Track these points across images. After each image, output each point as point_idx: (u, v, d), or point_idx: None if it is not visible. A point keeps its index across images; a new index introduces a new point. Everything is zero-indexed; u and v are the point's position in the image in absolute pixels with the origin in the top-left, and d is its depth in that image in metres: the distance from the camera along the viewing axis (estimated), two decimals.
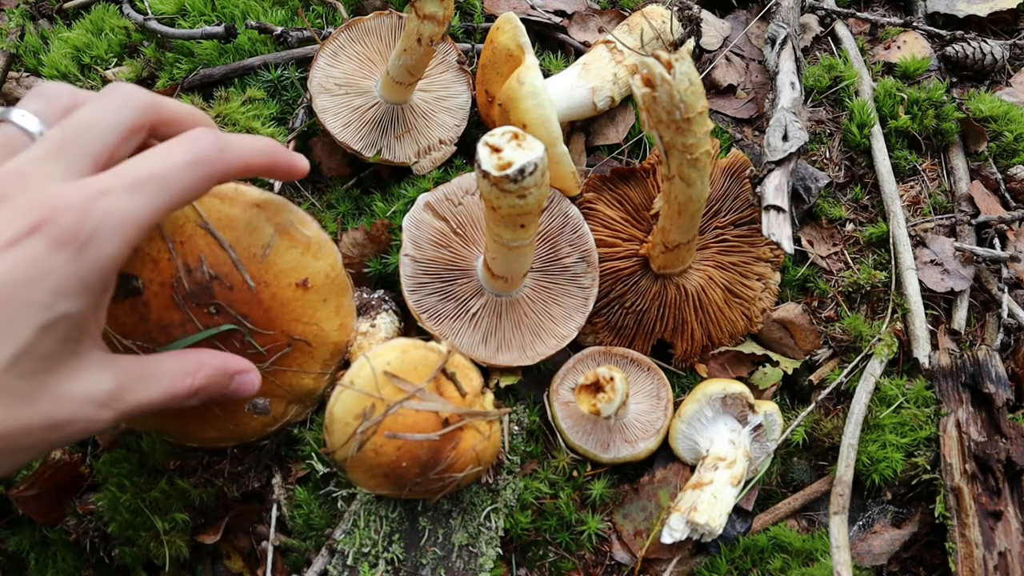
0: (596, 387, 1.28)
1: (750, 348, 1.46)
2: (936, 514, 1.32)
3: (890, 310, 1.49)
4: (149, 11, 1.71)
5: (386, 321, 1.34)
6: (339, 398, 1.08)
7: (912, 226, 1.58)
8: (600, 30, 1.74)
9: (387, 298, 1.38)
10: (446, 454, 1.07)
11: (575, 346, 1.41)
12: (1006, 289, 1.53)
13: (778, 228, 1.39)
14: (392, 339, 1.33)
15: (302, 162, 0.94)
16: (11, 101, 1.67)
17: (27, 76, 1.70)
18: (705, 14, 1.78)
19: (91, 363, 0.71)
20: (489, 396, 1.16)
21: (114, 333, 1.01)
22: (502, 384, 1.36)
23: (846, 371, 1.44)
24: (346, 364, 1.30)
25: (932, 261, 1.55)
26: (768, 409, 1.36)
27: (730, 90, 1.72)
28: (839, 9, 1.82)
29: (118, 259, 0.68)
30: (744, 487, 1.33)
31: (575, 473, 1.36)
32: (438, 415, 1.04)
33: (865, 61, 1.78)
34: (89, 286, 0.66)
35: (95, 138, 0.72)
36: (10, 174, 0.67)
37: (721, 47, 1.76)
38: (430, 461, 1.06)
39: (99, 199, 0.66)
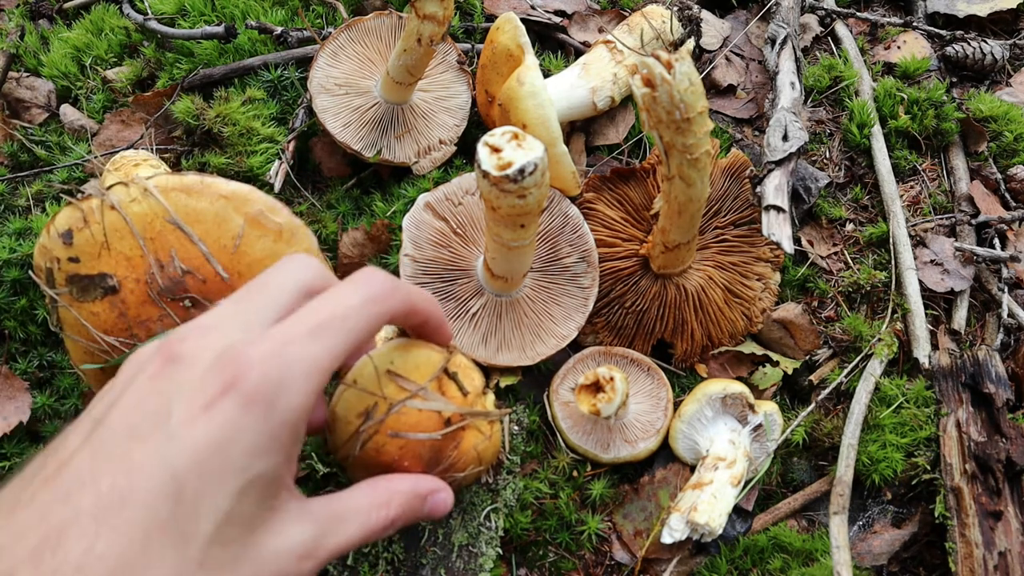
0: (596, 387, 1.28)
1: (750, 348, 1.46)
2: (936, 514, 1.32)
3: (890, 310, 1.49)
4: (149, 11, 1.71)
5: None
6: (341, 397, 1.08)
7: (912, 226, 1.58)
8: (600, 30, 1.74)
9: None
10: (448, 453, 1.07)
11: (575, 346, 1.41)
12: (1006, 289, 1.53)
13: (778, 228, 1.39)
14: (393, 338, 1.33)
15: (450, 330, 0.95)
16: (11, 101, 1.67)
17: (27, 76, 1.70)
18: (705, 14, 1.78)
19: (289, 516, 0.69)
20: (491, 396, 1.16)
21: (97, 332, 1.01)
22: (502, 384, 1.36)
23: (846, 371, 1.44)
24: None
25: (932, 261, 1.55)
26: (768, 409, 1.36)
27: (730, 90, 1.72)
28: (839, 9, 1.82)
29: (307, 409, 0.66)
30: (744, 487, 1.33)
31: (575, 473, 1.36)
32: (441, 415, 1.04)
33: (865, 61, 1.78)
34: (281, 441, 0.64)
35: (274, 295, 0.72)
36: (195, 329, 0.67)
37: (721, 47, 1.76)
38: (432, 460, 1.06)
39: (283, 350, 0.65)
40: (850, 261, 1.55)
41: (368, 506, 0.79)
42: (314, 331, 0.67)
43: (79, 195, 1.05)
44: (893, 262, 1.53)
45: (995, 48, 1.78)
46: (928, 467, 1.36)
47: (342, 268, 1.47)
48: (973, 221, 1.60)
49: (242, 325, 0.68)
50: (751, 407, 1.35)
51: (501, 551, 1.27)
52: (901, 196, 1.61)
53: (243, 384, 0.61)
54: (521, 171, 0.97)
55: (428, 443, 1.04)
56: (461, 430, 1.08)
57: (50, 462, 0.61)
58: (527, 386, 1.41)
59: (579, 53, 1.67)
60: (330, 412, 1.10)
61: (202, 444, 0.59)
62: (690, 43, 1.57)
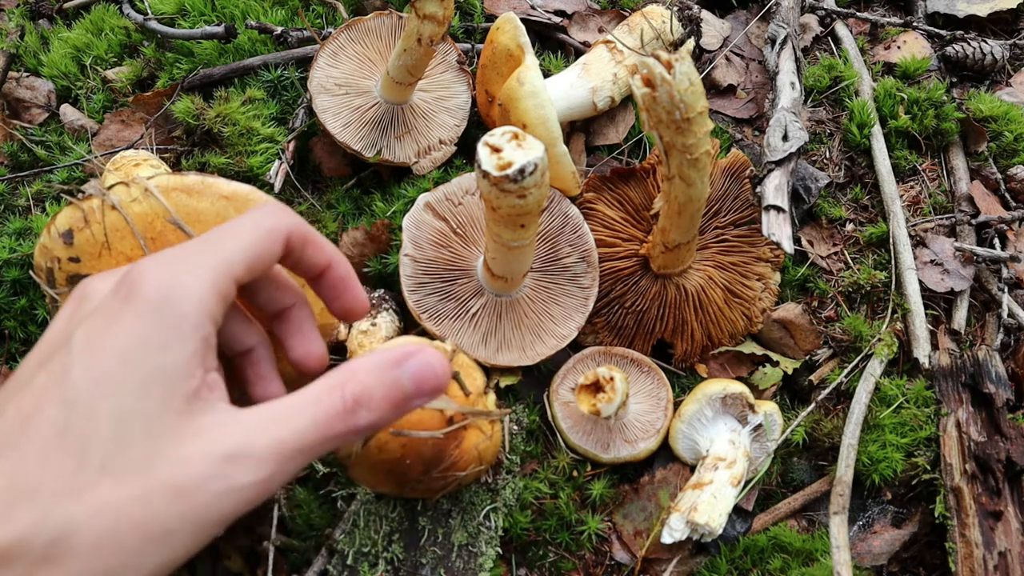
0: (596, 387, 1.28)
1: (750, 348, 1.46)
2: (936, 514, 1.32)
3: (890, 310, 1.49)
4: (149, 11, 1.71)
5: (386, 320, 1.34)
6: None
7: (912, 226, 1.58)
8: (600, 30, 1.74)
9: (387, 297, 1.38)
10: (450, 452, 1.07)
11: (575, 346, 1.41)
12: (1006, 289, 1.53)
13: (778, 228, 1.39)
14: (393, 338, 1.33)
15: (363, 294, 0.84)
16: (11, 101, 1.67)
17: (27, 76, 1.70)
18: (705, 14, 1.78)
19: (212, 418, 0.62)
20: (492, 396, 1.16)
21: None
22: (502, 384, 1.36)
23: (846, 371, 1.44)
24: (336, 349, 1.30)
25: (932, 261, 1.55)
26: (768, 409, 1.36)
27: (730, 90, 1.72)
28: (839, 9, 1.82)
29: (205, 304, 0.65)
30: (744, 487, 1.33)
31: (575, 473, 1.36)
32: (443, 413, 1.04)
33: (865, 61, 1.78)
34: (181, 334, 0.62)
35: (237, 236, 0.72)
36: (155, 258, 0.69)
37: (721, 47, 1.76)
38: (434, 459, 1.06)
39: (175, 260, 0.67)
40: (850, 261, 1.55)
41: (317, 391, 0.65)
42: (202, 243, 0.69)
43: (79, 195, 1.05)
44: (893, 262, 1.53)
45: (995, 48, 1.78)
46: (928, 467, 1.36)
47: None
48: (973, 221, 1.60)
49: (206, 263, 0.68)
50: (751, 407, 1.35)
51: (501, 551, 1.27)
52: (901, 196, 1.61)
53: (135, 292, 0.62)
54: (521, 171, 0.97)
55: (430, 441, 1.04)
56: (463, 429, 1.08)
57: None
58: (527, 386, 1.41)
59: (579, 53, 1.67)
60: None
61: (97, 350, 0.60)
62: (690, 43, 1.57)
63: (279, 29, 1.61)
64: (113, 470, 0.57)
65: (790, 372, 1.43)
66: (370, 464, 1.07)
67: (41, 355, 0.65)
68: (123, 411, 0.58)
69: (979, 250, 1.53)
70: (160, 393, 0.60)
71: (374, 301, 1.36)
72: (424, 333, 1.35)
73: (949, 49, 1.81)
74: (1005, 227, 1.58)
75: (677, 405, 1.37)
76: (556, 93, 1.47)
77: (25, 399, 0.60)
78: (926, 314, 1.49)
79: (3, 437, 0.58)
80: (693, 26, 1.55)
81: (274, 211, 0.74)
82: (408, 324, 1.39)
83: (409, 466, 1.05)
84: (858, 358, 1.45)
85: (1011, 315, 1.51)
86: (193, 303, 0.64)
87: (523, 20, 1.48)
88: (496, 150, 0.99)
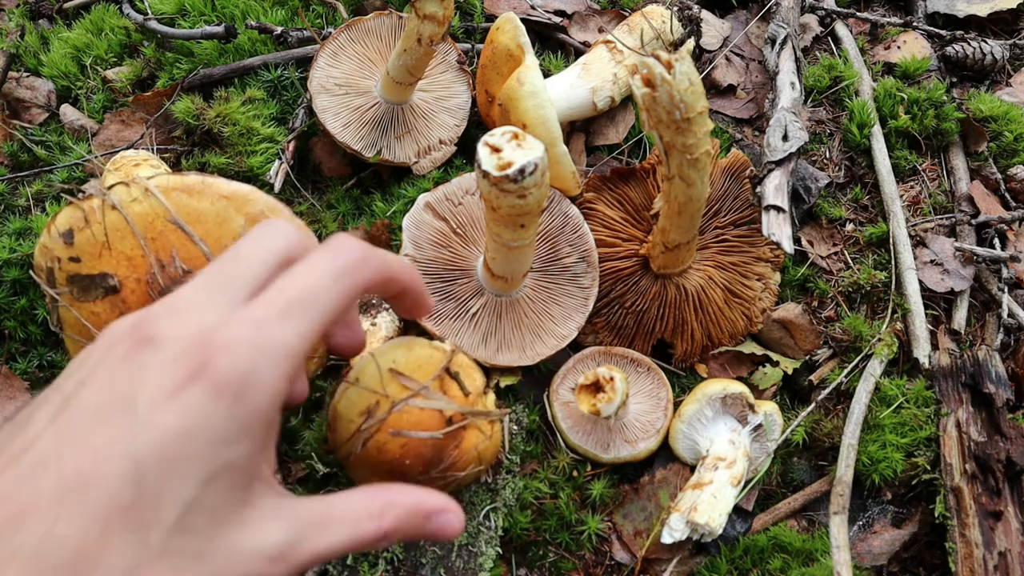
0: (596, 387, 1.28)
1: (750, 348, 1.46)
2: (936, 514, 1.32)
3: (890, 310, 1.49)
4: (149, 11, 1.71)
5: (386, 320, 1.34)
6: (344, 395, 1.08)
7: (912, 226, 1.58)
8: (600, 30, 1.74)
9: None
10: (449, 452, 1.07)
11: (575, 346, 1.41)
12: (1006, 289, 1.53)
13: (778, 228, 1.39)
14: (393, 337, 1.33)
15: (431, 299, 0.89)
16: (11, 101, 1.67)
17: (27, 76, 1.70)
18: (705, 14, 1.78)
19: (263, 512, 0.66)
20: (491, 396, 1.16)
21: (97, 332, 1.01)
22: (502, 384, 1.36)
23: (846, 371, 1.44)
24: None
25: (932, 261, 1.55)
26: (768, 409, 1.36)
27: (730, 90, 1.72)
28: (839, 9, 1.82)
29: (279, 396, 0.64)
30: (744, 487, 1.33)
31: (575, 473, 1.36)
32: (442, 414, 1.04)
33: (865, 61, 1.78)
34: (252, 430, 0.62)
35: (248, 266, 0.69)
36: (166, 308, 0.65)
37: (721, 47, 1.76)
38: (433, 459, 1.06)
39: (253, 335, 0.63)
40: (850, 261, 1.55)
41: (359, 514, 0.73)
42: (284, 313, 0.65)
43: (80, 195, 1.05)
44: (893, 262, 1.53)
45: (995, 48, 1.79)
46: (928, 467, 1.36)
47: None
48: (973, 221, 1.60)
49: (216, 304, 0.65)
50: (751, 407, 1.35)
51: (501, 551, 1.27)
52: (901, 196, 1.61)
53: (212, 371, 0.60)
54: (521, 171, 0.97)
55: (429, 442, 1.04)
56: (462, 429, 1.08)
57: (17, 439, 0.60)
58: (527, 386, 1.41)
59: (579, 53, 1.67)
60: (332, 410, 1.10)
61: (167, 430, 0.58)
62: (690, 43, 1.57)
63: (279, 29, 1.61)
64: (171, 555, 0.58)
65: (790, 372, 1.43)
66: (370, 465, 1.07)
67: (96, 404, 0.60)
68: (188, 501, 0.59)
69: (979, 250, 1.53)
70: (224, 486, 0.62)
71: (374, 301, 1.36)
72: (424, 333, 1.35)
73: (949, 49, 1.81)
74: (1005, 227, 1.58)
75: (677, 405, 1.37)
76: (556, 93, 1.47)
77: (84, 454, 0.57)
78: (926, 314, 1.49)
79: (64, 492, 0.55)
80: (693, 26, 1.55)
81: (356, 262, 0.72)
82: (408, 324, 1.39)
83: (408, 466, 1.05)
84: (858, 358, 1.45)
85: (1011, 315, 1.51)
86: (269, 398, 0.63)
87: (523, 20, 1.48)
88: (496, 150, 0.99)
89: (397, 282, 0.80)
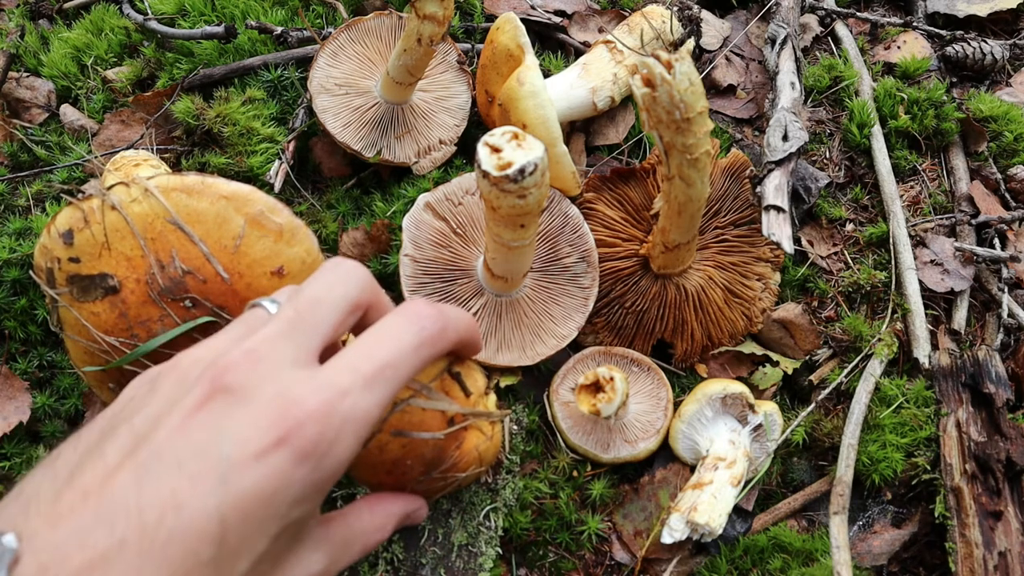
0: (596, 387, 1.28)
1: (750, 348, 1.46)
2: (936, 514, 1.32)
3: (890, 310, 1.49)
4: (149, 11, 1.71)
5: None
6: None
7: (912, 226, 1.58)
8: (600, 30, 1.74)
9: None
10: (450, 453, 1.07)
11: (575, 346, 1.41)
12: (1006, 289, 1.53)
13: (778, 228, 1.39)
14: None
15: (481, 342, 0.95)
16: (11, 101, 1.67)
17: (27, 76, 1.70)
18: (705, 14, 1.78)
19: (309, 545, 0.72)
20: (492, 397, 1.16)
21: (97, 332, 1.01)
22: (502, 384, 1.36)
23: (846, 371, 1.44)
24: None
25: (932, 261, 1.55)
26: (768, 409, 1.36)
27: (730, 90, 1.72)
28: (839, 9, 1.82)
29: (352, 457, 0.67)
30: (744, 487, 1.33)
31: (575, 473, 1.36)
32: (444, 414, 1.04)
33: (865, 61, 1.78)
34: (324, 490, 0.66)
35: (324, 314, 0.71)
36: (245, 356, 0.65)
37: (721, 47, 1.76)
38: (435, 460, 1.06)
39: (339, 403, 0.64)
40: (850, 261, 1.55)
41: (370, 529, 0.83)
42: (369, 383, 0.67)
43: (80, 195, 1.05)
44: (893, 262, 1.53)
45: (995, 48, 1.78)
46: (928, 467, 1.36)
47: None
48: (973, 221, 1.60)
49: (293, 354, 0.67)
50: (751, 407, 1.35)
51: (501, 551, 1.27)
52: (901, 196, 1.61)
53: (298, 439, 0.61)
54: (521, 171, 0.97)
55: (431, 443, 1.04)
56: (463, 430, 1.08)
57: (88, 470, 0.60)
58: (527, 386, 1.41)
59: (579, 53, 1.67)
60: None
61: (251, 493, 0.59)
62: (690, 43, 1.57)
63: (279, 29, 1.61)
64: None
65: (790, 372, 1.44)
66: (370, 465, 1.07)
67: (176, 451, 0.60)
68: (260, 553, 0.62)
69: (979, 250, 1.53)
70: (289, 535, 0.66)
71: None
72: None
73: (949, 49, 1.81)
74: (1005, 227, 1.58)
75: (677, 405, 1.37)
76: (556, 93, 1.47)
77: (168, 506, 0.58)
78: (926, 314, 1.49)
79: (146, 545, 0.56)
80: (693, 26, 1.55)
81: (436, 333, 0.75)
82: None
83: (410, 467, 1.05)
84: (858, 358, 1.45)
85: (1011, 315, 1.51)
86: (344, 463, 0.65)
87: (523, 20, 1.48)
88: (496, 150, 0.99)
89: (460, 344, 0.85)
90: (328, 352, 0.71)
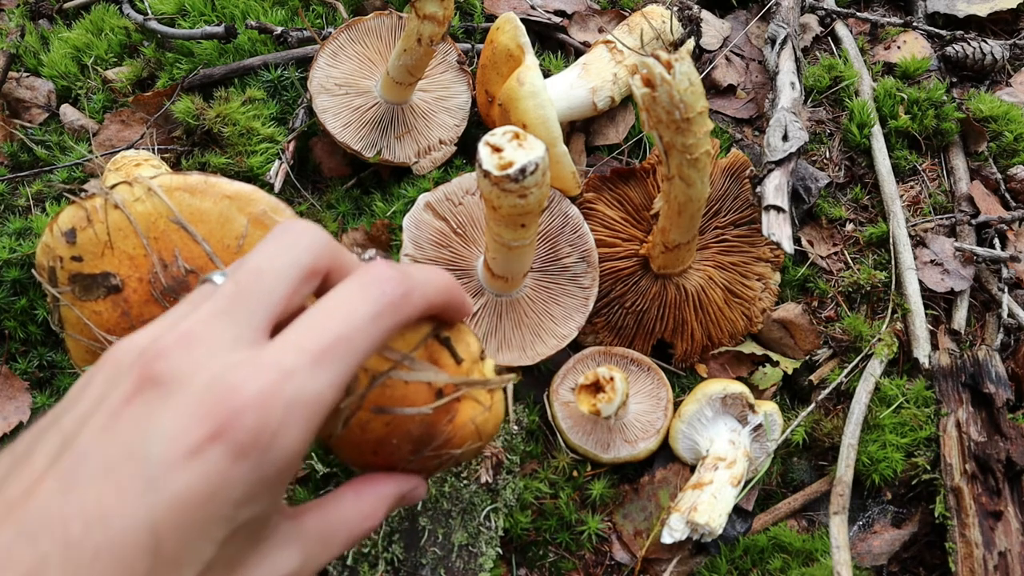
0: (596, 387, 1.28)
1: (750, 348, 1.46)
2: (936, 514, 1.33)
3: (890, 310, 1.49)
4: (149, 11, 1.71)
5: None
6: None
7: (912, 226, 1.58)
8: (600, 30, 1.74)
9: (375, 256, 1.38)
10: (441, 429, 0.97)
11: (575, 346, 1.41)
12: (1006, 289, 1.53)
13: (778, 228, 1.39)
14: None
15: (470, 303, 0.84)
16: (11, 101, 1.67)
17: (27, 76, 1.70)
18: (705, 14, 1.78)
19: (276, 542, 0.64)
20: (489, 363, 1.06)
21: (99, 331, 1.01)
22: None
23: (846, 371, 1.44)
24: None
25: (932, 261, 1.55)
26: (768, 409, 1.36)
27: (730, 90, 1.72)
28: (839, 9, 1.82)
29: (306, 449, 0.59)
30: (744, 487, 1.33)
31: (575, 473, 1.36)
32: (431, 386, 0.95)
33: (865, 61, 1.78)
34: (274, 486, 0.58)
35: (269, 285, 0.61)
36: (178, 340, 0.57)
37: (721, 47, 1.76)
38: (424, 437, 0.96)
39: (282, 387, 0.56)
40: (850, 261, 1.55)
41: (355, 517, 0.75)
42: (317, 361, 0.58)
43: (82, 194, 1.05)
44: (893, 262, 1.53)
45: (995, 48, 1.79)
46: (928, 467, 1.36)
47: None
48: (973, 221, 1.60)
49: (233, 333, 0.58)
50: (751, 407, 1.35)
51: (501, 551, 1.27)
52: (901, 196, 1.61)
53: (235, 430, 0.54)
54: (522, 171, 0.97)
55: (418, 418, 0.93)
56: (455, 402, 0.98)
57: (14, 480, 0.54)
58: (527, 386, 1.41)
59: (579, 53, 1.67)
60: None
61: (184, 497, 0.52)
62: (690, 43, 1.57)
63: (279, 29, 1.61)
64: None
65: (790, 372, 1.44)
66: (354, 445, 0.97)
67: (101, 455, 0.54)
68: (207, 561, 0.55)
69: (979, 250, 1.53)
70: (242, 537, 0.58)
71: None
72: None
73: (949, 49, 1.81)
74: (1005, 227, 1.58)
75: (677, 405, 1.37)
76: (556, 93, 1.47)
77: (93, 517, 0.51)
78: (926, 314, 1.49)
79: (71, 561, 0.50)
80: (693, 26, 1.55)
81: (397, 298, 0.66)
82: None
83: (396, 446, 0.95)
84: (858, 358, 1.45)
85: (1011, 315, 1.51)
86: (295, 455, 0.57)
87: (523, 20, 1.47)
88: (497, 150, 0.99)
89: (434, 308, 0.75)
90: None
